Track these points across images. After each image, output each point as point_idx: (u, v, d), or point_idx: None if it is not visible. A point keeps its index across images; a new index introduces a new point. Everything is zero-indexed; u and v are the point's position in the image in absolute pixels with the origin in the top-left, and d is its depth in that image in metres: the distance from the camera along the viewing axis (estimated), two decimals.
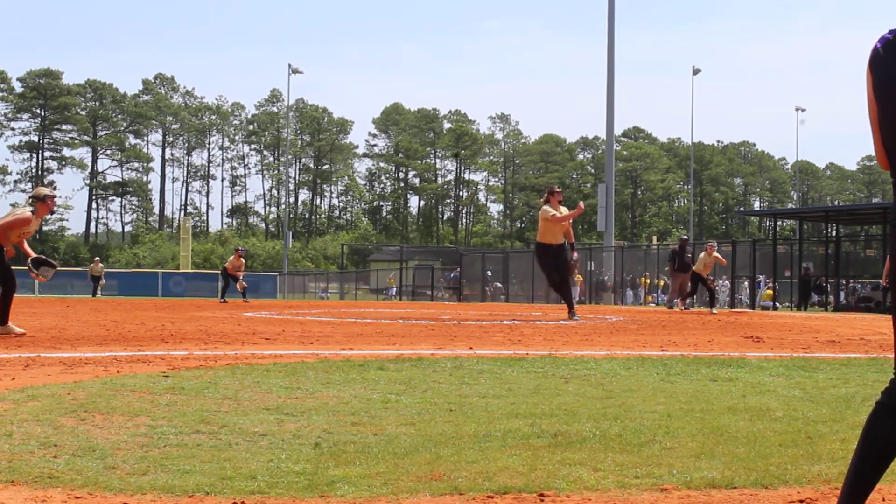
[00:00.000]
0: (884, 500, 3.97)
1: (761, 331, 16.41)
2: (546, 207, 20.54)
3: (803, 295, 39.66)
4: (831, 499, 3.93)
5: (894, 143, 3.30)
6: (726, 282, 44.19)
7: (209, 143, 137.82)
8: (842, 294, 41.26)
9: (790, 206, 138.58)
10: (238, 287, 38.30)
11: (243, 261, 39.75)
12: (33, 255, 14.02)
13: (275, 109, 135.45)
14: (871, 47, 3.38)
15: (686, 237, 36.29)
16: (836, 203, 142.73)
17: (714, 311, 29.72)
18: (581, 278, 45.15)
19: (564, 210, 20.70)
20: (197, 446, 4.77)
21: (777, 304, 40.66)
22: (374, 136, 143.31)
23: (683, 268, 31.69)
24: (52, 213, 14.01)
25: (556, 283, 21.34)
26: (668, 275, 34.24)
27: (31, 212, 13.50)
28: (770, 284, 42.77)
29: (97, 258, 60.19)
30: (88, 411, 5.81)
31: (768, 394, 7.13)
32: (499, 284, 56.38)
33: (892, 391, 3.26)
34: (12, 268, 13.55)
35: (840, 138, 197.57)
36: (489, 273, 57.43)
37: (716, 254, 29.71)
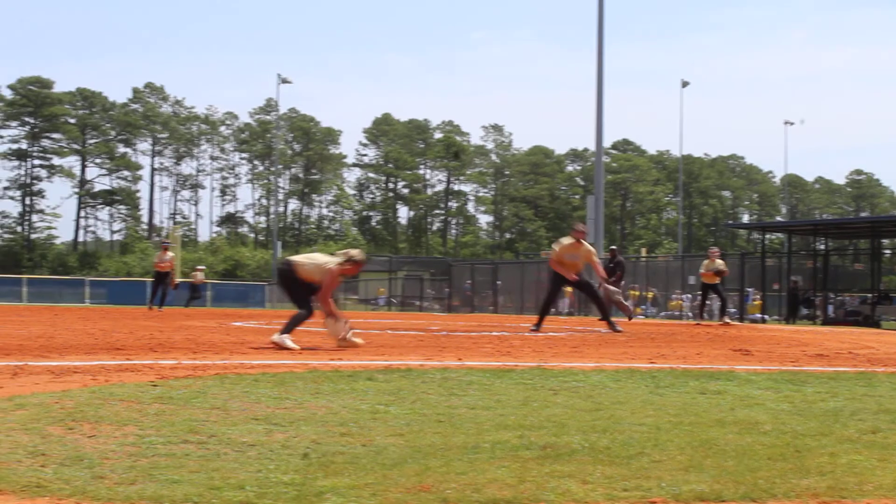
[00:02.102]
0: None
1: (750, 344, 16.43)
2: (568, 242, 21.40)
3: (792, 308, 39.74)
4: None
5: None
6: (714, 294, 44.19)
7: (198, 153, 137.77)
8: (830, 308, 41.35)
9: (779, 219, 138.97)
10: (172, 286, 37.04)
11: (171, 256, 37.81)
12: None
13: (268, 118, 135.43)
14: None
15: (615, 247, 36.05)
16: (824, 217, 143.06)
17: (728, 320, 29.70)
18: (570, 290, 45.12)
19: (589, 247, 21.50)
20: (185, 456, 4.76)
21: (766, 317, 40.74)
22: (365, 145, 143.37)
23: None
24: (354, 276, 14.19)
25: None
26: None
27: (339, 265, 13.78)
28: (758, 297, 42.84)
29: (200, 266, 57.82)
30: (76, 420, 5.79)
31: (757, 407, 7.13)
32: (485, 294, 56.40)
33: None
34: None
35: (829, 152, 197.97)
36: (468, 283, 57.42)
37: (718, 260, 29.56)
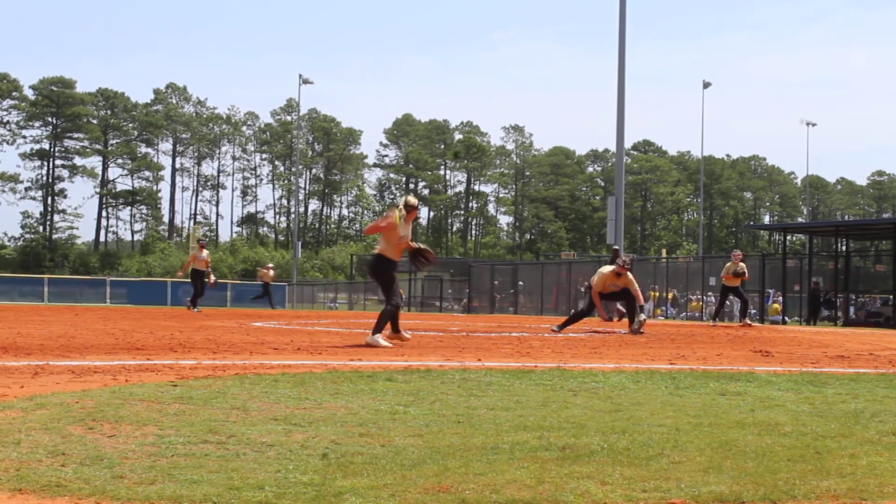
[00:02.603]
0: None
1: (770, 345, 16.39)
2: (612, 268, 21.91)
3: (813, 309, 39.59)
4: None
5: None
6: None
7: (220, 153, 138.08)
8: (851, 309, 41.20)
9: (800, 220, 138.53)
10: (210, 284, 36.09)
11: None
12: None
13: (288, 119, 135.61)
14: None
15: (617, 247, 35.78)
16: (846, 218, 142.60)
17: (749, 321, 29.58)
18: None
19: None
20: (205, 456, 4.77)
21: (786, 318, 40.61)
22: (385, 146, 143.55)
23: None
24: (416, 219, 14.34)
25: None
26: (582, 286, 33.89)
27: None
28: (778, 299, 42.70)
29: (270, 264, 55.14)
30: (96, 420, 5.81)
31: (777, 408, 7.11)
32: (503, 295, 56.36)
33: None
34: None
35: (851, 153, 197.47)
36: (496, 283, 57.41)
37: (741, 263, 29.42)
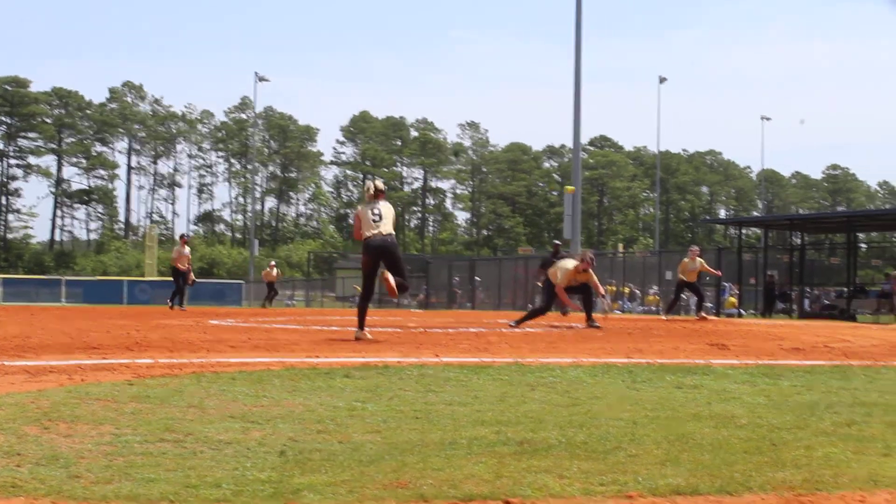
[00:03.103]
0: None
1: (726, 338, 16.47)
2: (575, 263, 21.83)
3: (768, 302, 39.85)
4: None
5: None
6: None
7: (176, 151, 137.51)
8: (806, 301, 41.50)
9: (755, 214, 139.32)
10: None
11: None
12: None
13: (244, 117, 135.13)
14: None
15: (559, 242, 35.74)
16: (800, 212, 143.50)
17: (704, 314, 29.71)
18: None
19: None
20: (162, 455, 4.75)
21: (742, 311, 40.84)
22: (342, 143, 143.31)
23: None
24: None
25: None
26: (539, 281, 33.91)
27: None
28: (734, 292, 42.95)
29: (273, 262, 53.39)
30: (52, 420, 5.77)
31: (733, 401, 7.16)
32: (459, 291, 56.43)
33: None
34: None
35: (805, 148, 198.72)
36: (457, 279, 57.45)
37: (699, 259, 29.52)
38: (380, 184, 15.37)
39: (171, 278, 35.57)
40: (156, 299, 55.16)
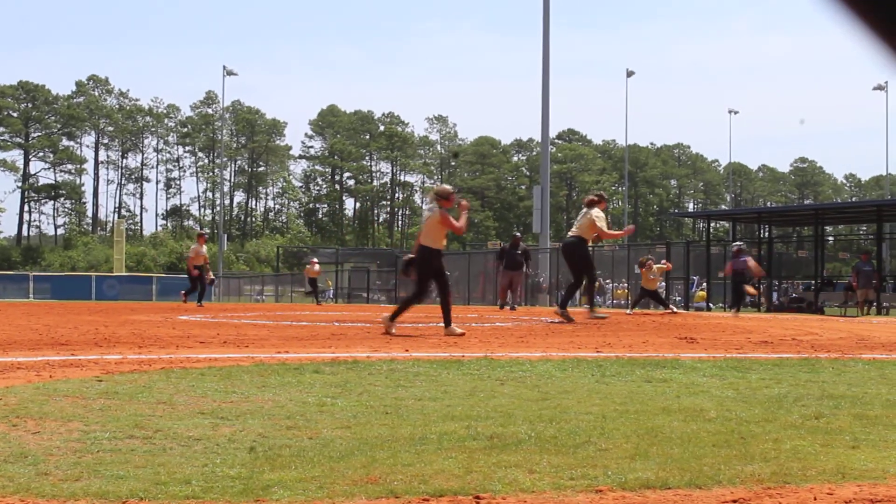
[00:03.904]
0: (815, 498, 4.01)
1: (695, 332, 16.51)
2: (598, 212, 20.26)
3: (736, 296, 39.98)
4: (764, 498, 3.96)
5: None
6: (661, 282, 44.45)
7: (143, 146, 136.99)
8: (774, 294, 41.69)
9: (723, 207, 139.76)
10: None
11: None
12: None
13: (210, 111, 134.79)
14: None
15: (519, 234, 35.57)
16: (768, 204, 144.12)
17: (673, 308, 29.78)
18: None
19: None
20: (131, 451, 4.73)
21: (711, 304, 40.99)
22: (311, 137, 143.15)
23: (514, 266, 31.41)
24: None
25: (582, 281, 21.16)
26: (496, 273, 33.81)
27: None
28: (702, 285, 43.11)
29: (314, 259, 51.39)
30: (20, 417, 5.74)
31: (702, 394, 7.18)
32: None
33: None
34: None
35: (773, 140, 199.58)
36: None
37: (656, 266, 29.68)
38: (439, 188, 15.33)
39: (187, 275, 34.32)
40: (124, 294, 54.93)
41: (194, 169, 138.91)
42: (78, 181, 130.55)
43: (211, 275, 34.99)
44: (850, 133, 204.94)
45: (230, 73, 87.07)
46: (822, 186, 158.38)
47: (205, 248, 33.76)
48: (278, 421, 5.73)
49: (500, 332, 16.21)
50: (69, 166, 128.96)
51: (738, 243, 31.39)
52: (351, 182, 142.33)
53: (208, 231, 37.09)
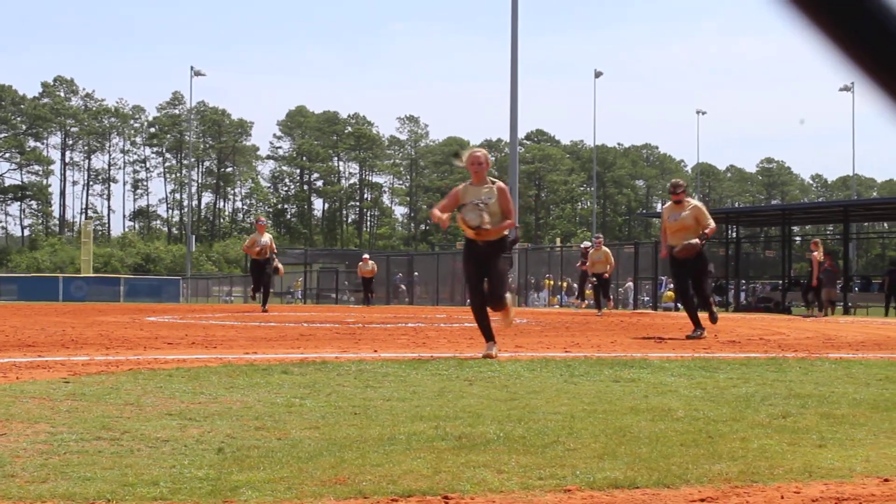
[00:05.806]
0: (782, 497, 4.03)
1: (663, 331, 16.58)
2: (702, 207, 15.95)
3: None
4: (731, 497, 3.98)
5: None
6: (630, 283, 44.58)
7: (110, 147, 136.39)
8: (742, 294, 41.87)
9: None
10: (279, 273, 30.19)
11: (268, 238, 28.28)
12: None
13: (176, 112, 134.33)
14: None
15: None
16: (736, 205, 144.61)
17: (606, 309, 29.89)
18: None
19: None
20: (98, 453, 4.71)
21: (679, 305, 41.11)
22: (279, 138, 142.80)
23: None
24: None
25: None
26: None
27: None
28: (670, 286, 43.24)
29: (365, 255, 47.72)
30: None
31: (670, 394, 7.21)
32: (403, 287, 56.47)
33: None
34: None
35: (740, 141, 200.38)
36: (399, 276, 57.45)
37: (604, 248, 29.85)
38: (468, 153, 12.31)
39: (251, 269, 29.55)
40: (91, 296, 54.66)
41: (162, 170, 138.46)
42: (45, 182, 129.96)
43: (277, 264, 29.23)
44: (817, 134, 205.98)
45: (198, 74, 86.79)
46: (789, 186, 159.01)
47: (266, 236, 28.07)
48: (247, 422, 5.72)
49: (469, 332, 16.23)
50: (36, 167, 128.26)
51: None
52: (319, 183, 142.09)
53: (265, 220, 30.61)
